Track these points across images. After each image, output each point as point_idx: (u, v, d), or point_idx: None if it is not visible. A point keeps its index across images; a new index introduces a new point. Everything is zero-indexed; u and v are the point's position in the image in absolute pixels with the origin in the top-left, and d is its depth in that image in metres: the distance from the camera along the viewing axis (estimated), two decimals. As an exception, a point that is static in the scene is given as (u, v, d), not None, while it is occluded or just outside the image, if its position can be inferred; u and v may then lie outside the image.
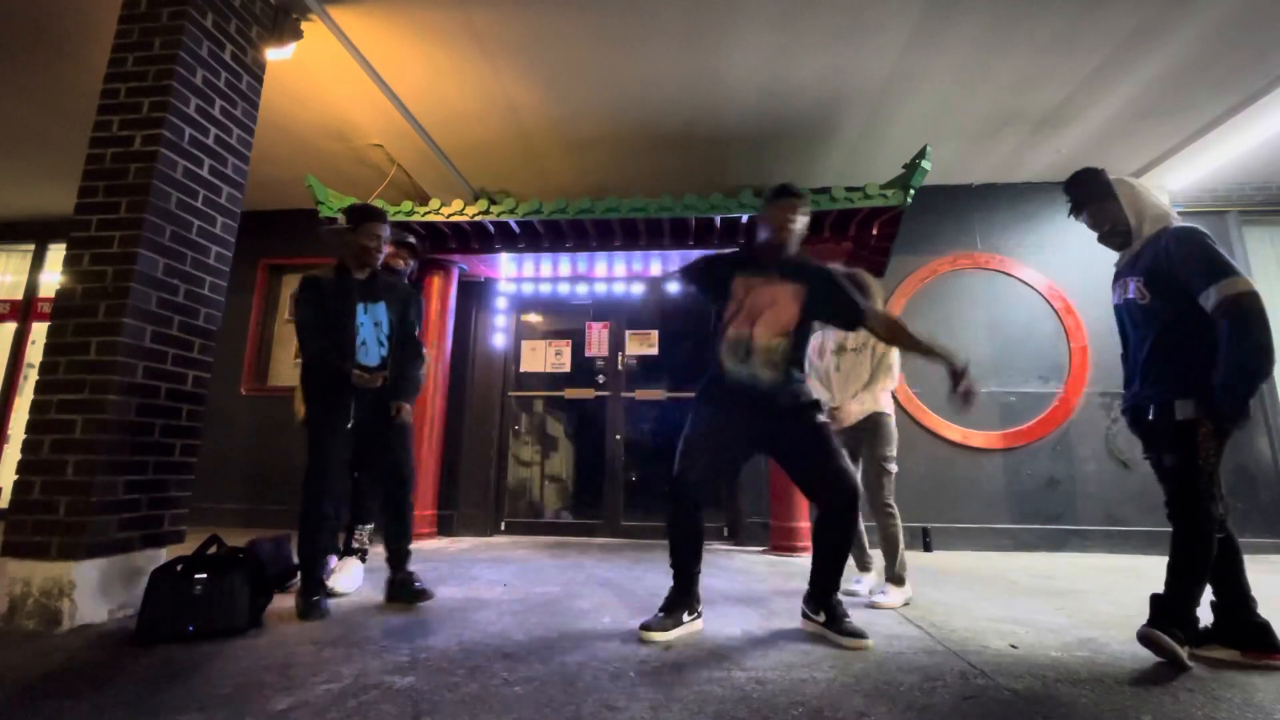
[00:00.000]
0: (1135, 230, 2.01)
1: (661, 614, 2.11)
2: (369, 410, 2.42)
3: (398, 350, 2.52)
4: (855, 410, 2.75)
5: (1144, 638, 1.83)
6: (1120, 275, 2.09)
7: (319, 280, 2.43)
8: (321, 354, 2.34)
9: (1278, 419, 4.47)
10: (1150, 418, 1.92)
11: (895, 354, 2.80)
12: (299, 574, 2.36)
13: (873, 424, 2.75)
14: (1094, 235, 2.12)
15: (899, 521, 2.67)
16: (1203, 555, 1.81)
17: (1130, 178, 2.05)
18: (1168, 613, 1.83)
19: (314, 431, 2.37)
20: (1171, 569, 1.85)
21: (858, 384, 2.80)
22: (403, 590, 2.41)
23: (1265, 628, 1.84)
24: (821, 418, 2.17)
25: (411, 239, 3.16)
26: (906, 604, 2.57)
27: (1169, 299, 1.89)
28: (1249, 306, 1.72)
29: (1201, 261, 1.81)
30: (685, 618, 2.13)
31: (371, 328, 2.44)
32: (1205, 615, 1.90)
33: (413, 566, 2.53)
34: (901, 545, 2.65)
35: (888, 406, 2.79)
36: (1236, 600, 1.88)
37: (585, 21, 3.29)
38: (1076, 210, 2.12)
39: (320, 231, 2.52)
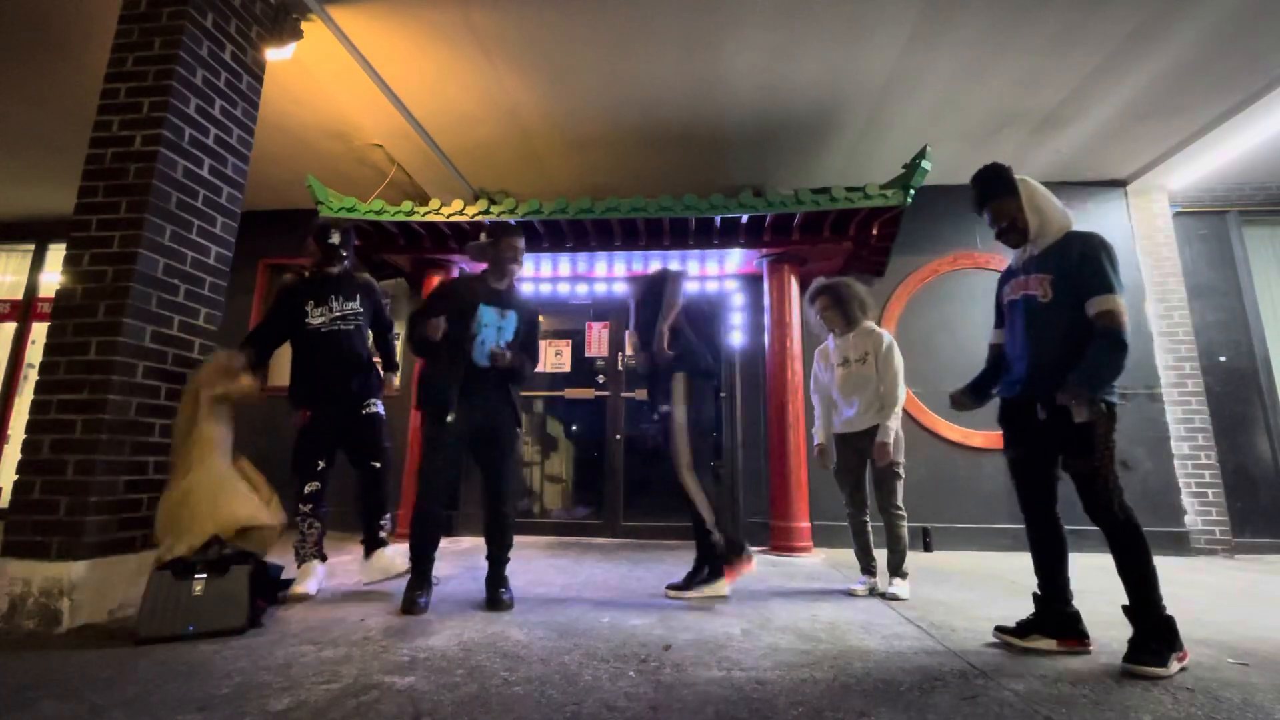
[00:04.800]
0: (1035, 230, 2.04)
1: (689, 576, 2.66)
2: (480, 413, 2.51)
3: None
4: (865, 413, 2.84)
5: (1126, 674, 1.76)
6: (1016, 273, 2.15)
7: (453, 280, 2.67)
8: (425, 341, 2.46)
9: (1278, 419, 4.47)
10: (1042, 416, 1.96)
11: (900, 366, 2.83)
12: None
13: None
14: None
15: (906, 522, 2.81)
16: (1140, 544, 1.83)
17: (1029, 176, 2.09)
18: (1142, 625, 1.82)
19: (427, 429, 2.48)
20: (1124, 573, 1.85)
21: (865, 392, 2.85)
22: (492, 598, 2.52)
23: (1076, 617, 1.99)
24: (665, 408, 2.71)
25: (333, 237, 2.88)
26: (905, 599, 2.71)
27: (1075, 300, 1.93)
28: (1124, 325, 1.85)
29: (1102, 271, 1.90)
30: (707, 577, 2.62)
31: (494, 331, 2.57)
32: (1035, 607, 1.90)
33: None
34: (905, 543, 2.79)
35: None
36: (1057, 593, 2.00)
37: (585, 22, 3.29)
38: (979, 206, 2.15)
39: (468, 246, 2.73)
